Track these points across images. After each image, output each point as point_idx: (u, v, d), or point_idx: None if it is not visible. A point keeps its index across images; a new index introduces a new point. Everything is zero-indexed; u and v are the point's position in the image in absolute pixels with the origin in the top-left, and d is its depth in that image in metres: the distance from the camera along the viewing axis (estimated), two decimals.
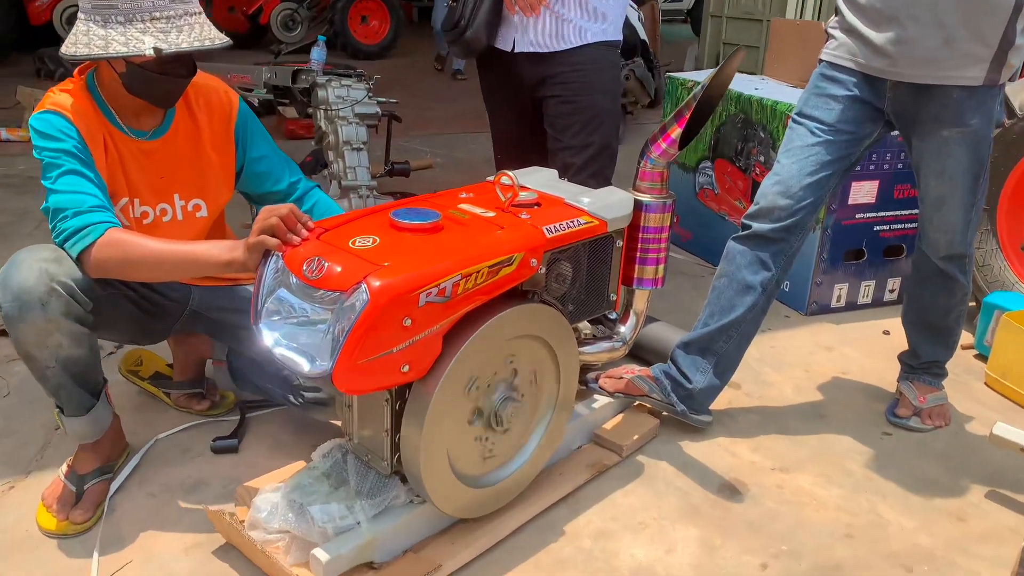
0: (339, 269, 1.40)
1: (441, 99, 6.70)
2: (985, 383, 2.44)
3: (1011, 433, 1.87)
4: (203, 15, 1.65)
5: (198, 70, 1.74)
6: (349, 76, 3.51)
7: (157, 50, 1.55)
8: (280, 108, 5.27)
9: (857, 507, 1.87)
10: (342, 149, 3.38)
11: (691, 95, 1.75)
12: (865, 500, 1.89)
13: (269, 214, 1.48)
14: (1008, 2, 1.71)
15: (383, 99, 3.58)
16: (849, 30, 1.89)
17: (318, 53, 3.76)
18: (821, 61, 1.98)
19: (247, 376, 1.95)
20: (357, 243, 1.47)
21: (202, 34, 1.62)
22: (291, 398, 1.87)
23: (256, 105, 5.55)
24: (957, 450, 2.10)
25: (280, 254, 1.48)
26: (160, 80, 1.65)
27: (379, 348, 1.37)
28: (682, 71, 7.02)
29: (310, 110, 3.58)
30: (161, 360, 2.16)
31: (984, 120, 1.84)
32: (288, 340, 1.46)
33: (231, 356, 1.97)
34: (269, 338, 1.46)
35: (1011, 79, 1.86)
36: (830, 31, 1.96)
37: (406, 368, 1.42)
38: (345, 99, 3.42)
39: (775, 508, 1.85)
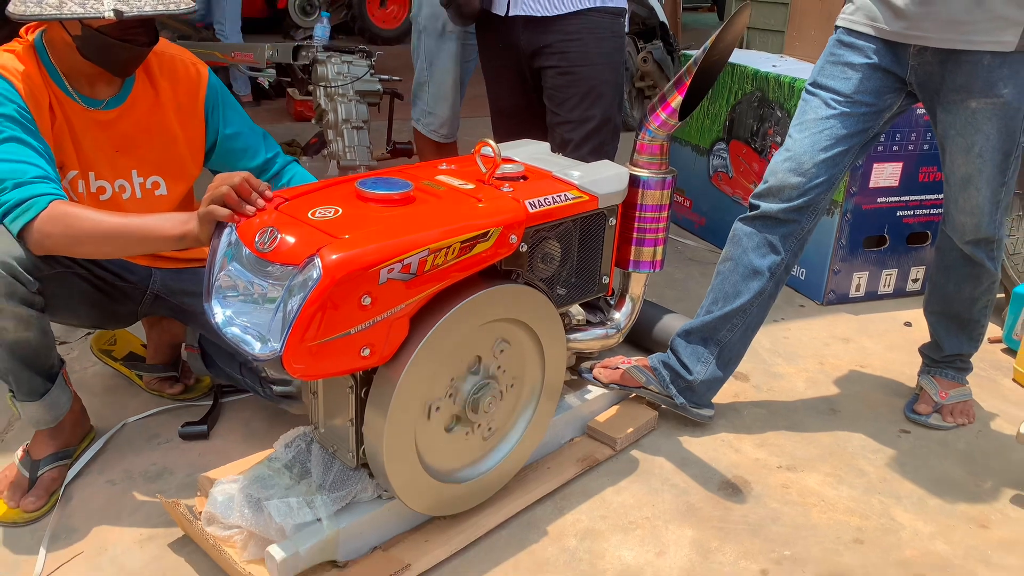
0: (292, 241, 1.28)
1: None
2: (1013, 379, 2.27)
3: None
4: None
5: (207, 60, 1.64)
6: (351, 52, 3.40)
7: (118, 12, 1.45)
8: (288, 90, 5.19)
9: (869, 510, 1.72)
10: (341, 127, 3.27)
11: (691, 60, 1.60)
12: (878, 502, 1.75)
13: (220, 182, 1.36)
14: None
15: (385, 76, 3.46)
16: None
17: (321, 29, 3.66)
18: (838, 28, 1.82)
19: (218, 364, 1.84)
20: (317, 214, 1.35)
21: (168, 1, 1.51)
22: (260, 390, 1.76)
23: (266, 87, 5.49)
24: (981, 450, 1.95)
25: (234, 225, 1.36)
26: (119, 47, 1.53)
27: (334, 329, 1.25)
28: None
29: (311, 87, 3.48)
30: (136, 340, 2.07)
31: (1018, 91, 1.67)
32: (240, 318, 1.34)
33: (203, 342, 1.86)
34: (220, 315, 1.35)
35: None
36: None
37: (367, 352, 1.30)
38: (345, 76, 3.31)
39: (779, 509, 1.71)
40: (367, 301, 1.26)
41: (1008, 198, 1.83)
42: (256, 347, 1.29)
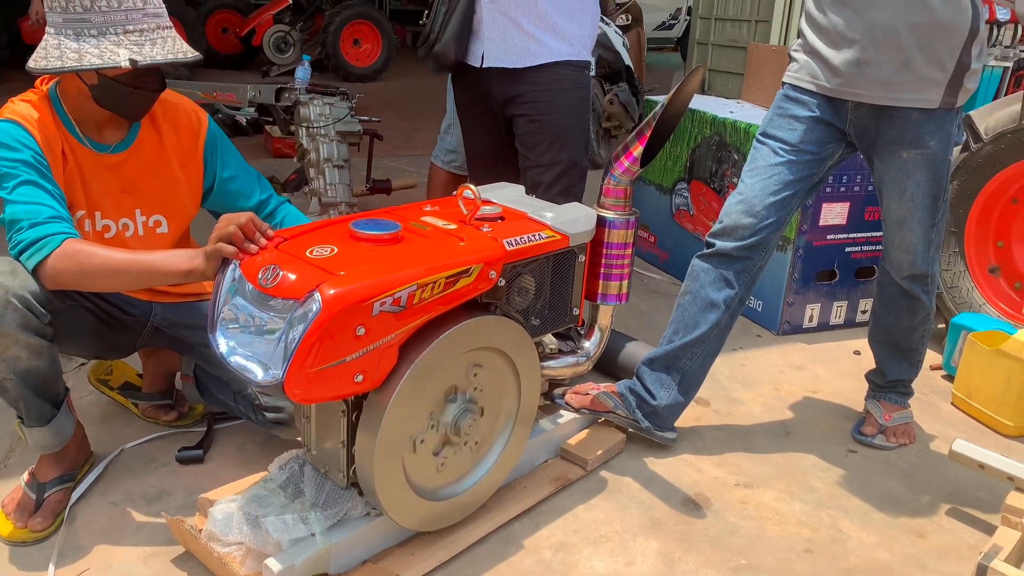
0: (293, 277, 1.41)
1: (430, 121, 6.74)
2: (952, 403, 2.46)
3: (970, 450, 1.89)
4: (173, 29, 1.68)
5: (191, 99, 1.77)
6: (332, 94, 3.56)
7: (133, 62, 1.58)
8: (267, 127, 5.32)
9: (818, 522, 1.88)
10: (323, 166, 3.42)
11: (651, 114, 1.78)
12: (827, 516, 1.90)
13: (227, 222, 1.49)
14: (963, 28, 1.76)
15: (365, 117, 3.62)
16: (811, 52, 1.93)
17: (302, 72, 3.81)
18: (784, 84, 2.01)
19: (213, 392, 1.95)
20: (314, 252, 1.48)
21: (175, 47, 1.65)
22: (253, 417, 1.87)
23: (244, 124, 5.62)
24: (921, 468, 2.12)
25: (238, 262, 1.49)
26: (133, 94, 1.67)
27: (332, 357, 1.38)
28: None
29: (292, 128, 3.62)
30: (131, 369, 2.17)
31: (942, 142, 1.87)
32: (243, 348, 1.46)
33: (198, 371, 1.97)
34: (224, 346, 1.47)
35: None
36: (793, 54, 2.00)
37: (360, 378, 1.43)
38: (327, 117, 3.46)
39: (737, 523, 1.86)
40: (361, 331, 1.40)
41: (939, 237, 2.02)
42: (259, 375, 1.42)
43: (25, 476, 1.73)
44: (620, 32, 5.62)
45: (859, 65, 1.83)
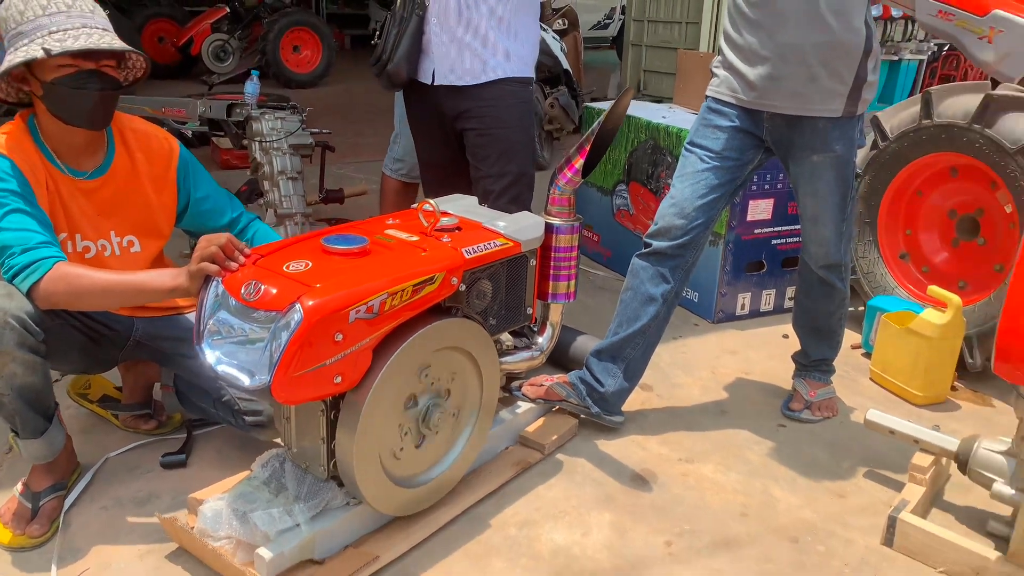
0: (275, 291, 1.56)
1: (375, 126, 6.85)
2: (870, 378, 2.72)
3: (881, 418, 2.13)
4: (106, 30, 1.75)
5: (138, 114, 1.88)
6: (283, 108, 3.66)
7: (46, 51, 1.66)
8: (214, 138, 5.38)
9: (752, 489, 2.10)
10: (277, 179, 3.52)
11: (589, 130, 1.98)
12: (759, 483, 2.13)
13: (209, 243, 1.63)
14: (858, 48, 1.99)
15: (316, 130, 3.74)
16: (730, 68, 2.15)
17: (252, 87, 3.89)
18: (708, 97, 2.23)
19: (192, 400, 2.08)
20: (291, 267, 1.63)
21: (98, 40, 1.71)
22: (233, 421, 2.01)
23: (190, 136, 5.65)
24: (842, 437, 2.36)
25: (220, 279, 1.63)
26: (76, 95, 1.73)
27: (313, 361, 1.53)
28: (606, 98, 7.35)
29: (245, 142, 3.72)
30: (109, 383, 2.27)
31: (847, 146, 2.11)
32: (229, 357, 1.61)
33: (178, 381, 2.09)
34: (211, 356, 1.61)
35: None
36: (714, 69, 2.22)
37: (339, 379, 1.59)
38: (279, 130, 3.57)
39: (680, 494, 2.07)
40: (339, 337, 1.55)
41: (850, 230, 2.26)
42: (246, 381, 1.56)
43: (19, 487, 1.84)
44: (557, 37, 5.84)
45: (772, 80, 2.05)
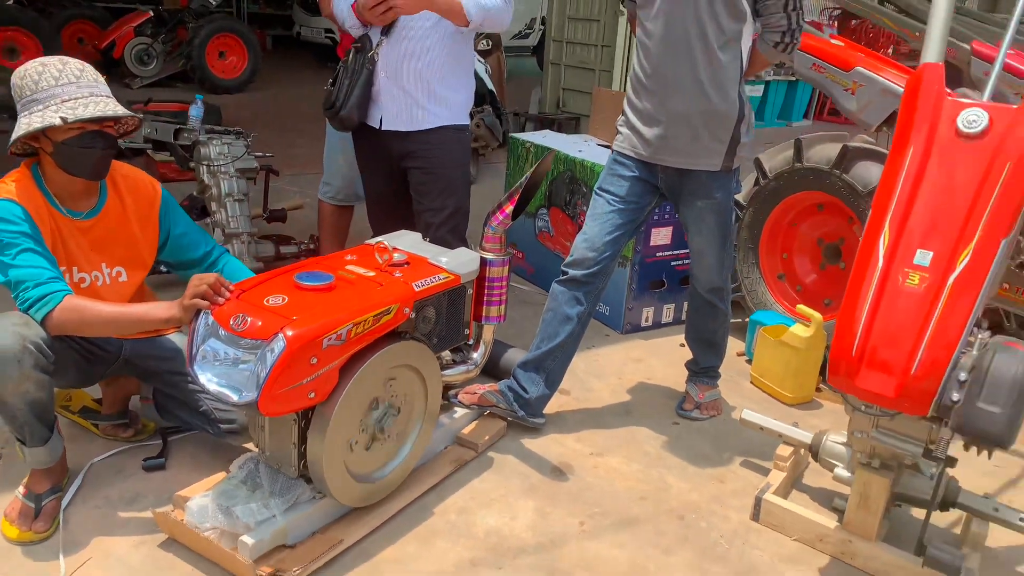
0: (260, 323, 1.89)
1: (306, 135, 7.07)
2: (751, 382, 3.21)
3: (753, 417, 2.60)
4: (109, 97, 2.06)
5: (127, 161, 2.17)
6: (228, 133, 3.93)
7: (63, 119, 1.96)
8: (148, 151, 5.52)
9: (650, 478, 2.54)
10: (224, 201, 3.79)
11: (517, 184, 2.38)
12: (656, 472, 2.57)
13: (200, 282, 1.95)
14: (733, 115, 2.44)
15: (260, 153, 4.01)
16: (631, 127, 2.58)
17: (196, 111, 4.13)
18: (613, 151, 2.65)
19: (171, 410, 2.38)
20: (270, 301, 1.97)
21: (104, 108, 2.02)
22: (209, 428, 2.32)
23: (123, 148, 5.77)
24: (725, 432, 2.83)
25: (210, 311, 1.95)
26: (83, 153, 2.03)
27: (293, 381, 1.87)
28: (527, 112, 7.76)
29: (191, 164, 3.96)
30: (88, 396, 2.53)
31: (726, 194, 2.56)
32: (219, 378, 1.93)
33: (156, 394, 2.39)
34: (203, 377, 1.93)
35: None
36: (618, 127, 2.64)
37: (312, 395, 1.93)
38: (226, 156, 3.83)
39: (591, 482, 2.49)
40: (314, 361, 1.90)
41: (730, 261, 2.73)
42: (235, 397, 1.89)
43: (21, 490, 2.10)
44: (482, 60, 6.21)
45: (664, 139, 2.49)
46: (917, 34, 4.98)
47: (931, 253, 1.89)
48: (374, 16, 2.63)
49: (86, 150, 2.03)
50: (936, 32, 2.11)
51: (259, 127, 6.06)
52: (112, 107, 2.03)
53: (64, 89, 1.98)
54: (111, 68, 9.18)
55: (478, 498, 2.36)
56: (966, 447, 1.89)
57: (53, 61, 2.03)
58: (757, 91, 9.33)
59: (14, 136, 1.98)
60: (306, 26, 11.71)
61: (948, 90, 2.05)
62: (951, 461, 2.04)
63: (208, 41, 8.96)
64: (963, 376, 1.81)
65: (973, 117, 1.96)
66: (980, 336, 1.91)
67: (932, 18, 2.12)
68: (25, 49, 8.11)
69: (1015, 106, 1.97)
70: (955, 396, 1.81)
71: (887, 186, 1.99)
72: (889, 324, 1.87)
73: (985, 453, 1.86)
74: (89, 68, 2.06)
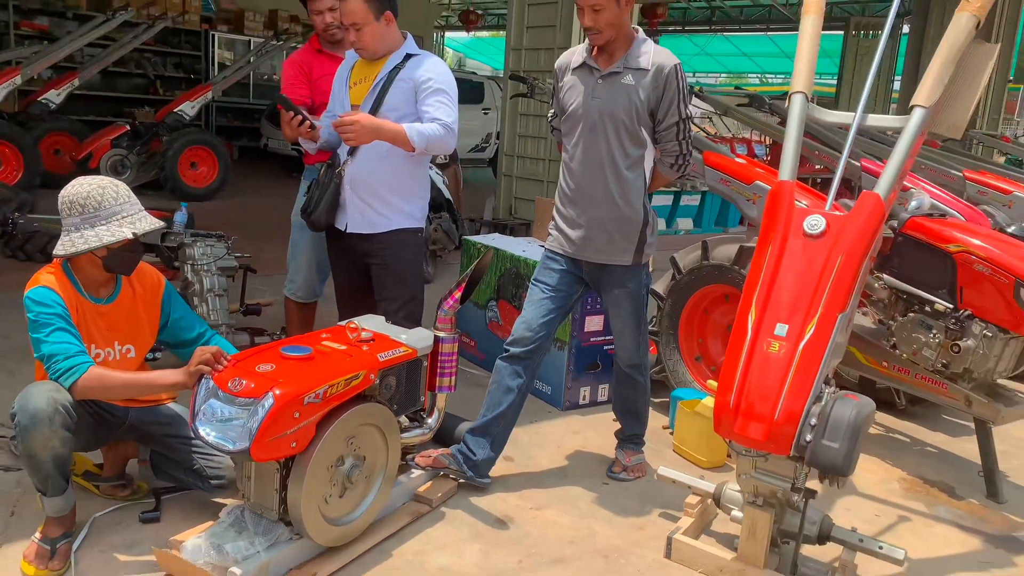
0: (253, 384, 2.33)
1: (274, 241, 7.53)
2: (673, 450, 3.67)
3: (668, 472, 3.05)
4: (148, 211, 2.56)
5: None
6: (211, 236, 4.42)
7: (135, 234, 2.45)
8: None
9: (580, 527, 2.95)
10: (206, 295, 4.24)
11: (463, 274, 2.90)
12: (585, 523, 2.98)
13: (203, 352, 2.38)
14: (639, 221, 3.01)
15: (239, 254, 4.49)
16: (559, 230, 3.13)
17: (181, 216, 4.63)
18: (544, 248, 3.20)
19: (165, 470, 2.75)
20: (261, 368, 2.41)
21: (152, 221, 2.53)
22: (200, 484, 2.69)
23: None
24: (648, 491, 3.26)
25: (211, 377, 2.38)
26: (128, 257, 2.54)
27: (279, 431, 2.29)
28: (482, 219, 8.38)
29: (176, 264, 4.42)
30: (89, 461, 2.89)
31: (638, 284, 3.10)
32: (216, 431, 2.34)
33: (153, 455, 2.76)
34: (203, 430, 2.34)
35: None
36: (550, 229, 3.19)
37: (294, 444, 2.35)
38: (208, 256, 4.31)
39: (530, 531, 2.89)
40: (297, 415, 2.32)
41: (645, 341, 3.24)
42: (230, 446, 2.30)
43: (37, 535, 2.44)
44: (440, 172, 6.86)
45: (585, 240, 3.04)
46: (816, 152, 5.76)
47: (787, 326, 2.42)
48: (344, 138, 3.18)
49: (132, 255, 2.53)
50: (789, 155, 2.72)
51: (229, 232, 6.55)
52: (156, 220, 2.54)
53: (122, 207, 2.47)
54: (86, 174, 9.66)
55: (432, 543, 2.75)
56: (820, 479, 2.37)
57: (105, 184, 2.50)
58: (695, 200, 10.16)
59: (82, 247, 2.41)
60: (273, 138, 12.36)
61: (834, 199, 2.62)
62: (811, 492, 2.52)
63: (181, 152, 9.51)
64: (813, 421, 2.31)
65: (815, 222, 2.54)
66: (828, 390, 2.43)
67: (786, 142, 2.74)
68: (6, 160, 8.58)
69: (846, 212, 2.57)
70: (808, 437, 2.30)
71: (754, 274, 2.55)
72: (758, 382, 2.38)
73: (837, 484, 2.35)
74: (123, 186, 2.54)
